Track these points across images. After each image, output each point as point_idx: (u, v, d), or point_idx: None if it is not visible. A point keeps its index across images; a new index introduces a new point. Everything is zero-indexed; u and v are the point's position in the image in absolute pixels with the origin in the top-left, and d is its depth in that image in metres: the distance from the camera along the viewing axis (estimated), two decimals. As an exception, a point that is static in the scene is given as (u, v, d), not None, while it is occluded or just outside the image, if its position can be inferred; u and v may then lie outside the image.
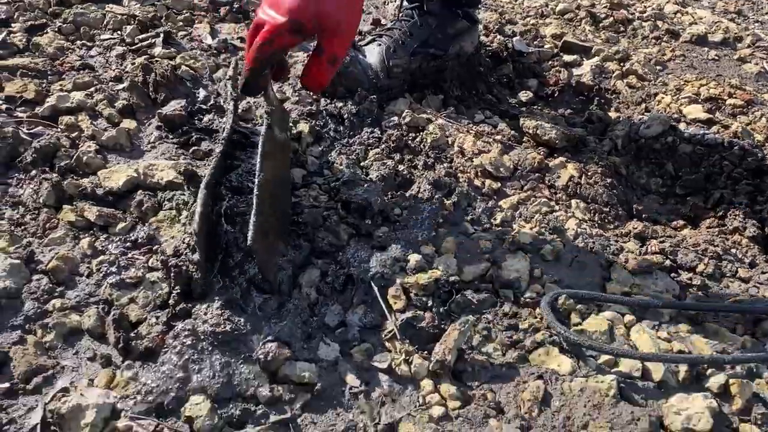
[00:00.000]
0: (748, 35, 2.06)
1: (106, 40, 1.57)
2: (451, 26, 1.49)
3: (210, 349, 0.88)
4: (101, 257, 1.03)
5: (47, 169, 1.17)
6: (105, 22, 1.61)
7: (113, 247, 1.06)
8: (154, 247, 1.06)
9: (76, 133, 1.27)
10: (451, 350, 0.92)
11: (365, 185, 1.21)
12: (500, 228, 1.19)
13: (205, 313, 0.92)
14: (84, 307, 0.96)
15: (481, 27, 1.80)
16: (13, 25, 1.56)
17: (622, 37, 1.96)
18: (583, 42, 1.83)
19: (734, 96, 1.63)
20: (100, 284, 0.99)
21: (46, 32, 1.57)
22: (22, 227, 1.08)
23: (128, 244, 1.07)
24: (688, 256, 1.16)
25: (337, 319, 0.97)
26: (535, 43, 1.80)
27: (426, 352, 0.94)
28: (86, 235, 1.07)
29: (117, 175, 1.17)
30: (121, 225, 1.09)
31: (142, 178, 1.17)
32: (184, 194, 1.15)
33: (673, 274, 1.13)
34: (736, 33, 2.06)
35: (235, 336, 0.91)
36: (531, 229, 1.19)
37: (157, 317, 0.93)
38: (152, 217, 1.11)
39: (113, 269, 1.02)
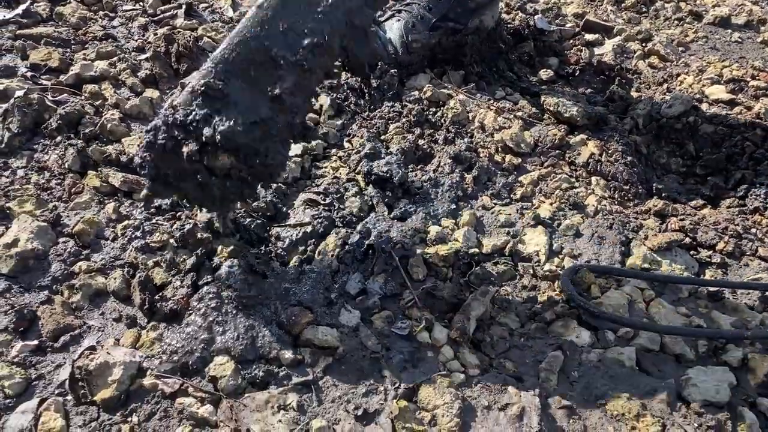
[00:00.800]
0: (772, 18, 2.03)
1: (129, 11, 1.58)
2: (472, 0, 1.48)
3: (234, 312, 0.89)
4: (126, 222, 1.05)
5: (72, 135, 1.18)
6: (127, -7, 1.62)
7: (137, 213, 1.07)
8: (178, 213, 1.07)
9: (100, 101, 1.29)
10: (470, 320, 0.93)
11: (386, 158, 1.22)
12: (520, 203, 1.20)
13: (228, 278, 0.94)
14: (109, 269, 0.97)
15: (502, 4, 1.79)
16: (36, -7, 1.57)
17: (644, 18, 1.94)
18: (605, 21, 1.82)
19: (757, 78, 1.62)
20: (125, 248, 1.01)
21: (69, 2, 1.57)
22: (48, 192, 1.09)
23: (152, 209, 1.08)
24: (708, 234, 1.15)
25: (358, 287, 0.98)
26: (556, 21, 1.79)
27: (446, 321, 0.95)
28: (111, 200, 1.09)
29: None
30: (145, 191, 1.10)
31: (165, 146, 1.18)
32: (206, 163, 1.16)
33: (692, 252, 1.14)
34: (760, 16, 2.03)
35: (258, 300, 0.92)
36: (551, 204, 1.19)
37: (182, 281, 0.95)
38: (176, 185, 1.12)
39: (138, 234, 1.03)
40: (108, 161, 1.14)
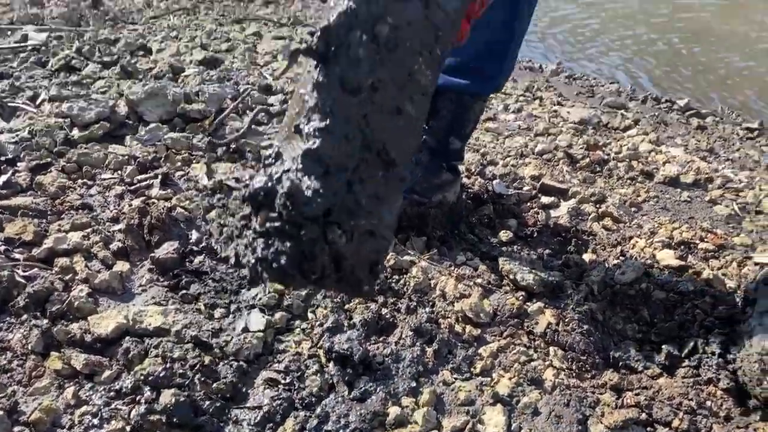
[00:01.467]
0: (718, 176, 2.17)
1: (107, 179, 1.65)
2: (437, 177, 1.58)
3: None
4: (84, 408, 1.05)
5: (38, 314, 1.21)
6: (106, 162, 1.70)
7: (97, 397, 1.07)
8: (137, 398, 1.08)
9: (70, 275, 1.32)
10: None
11: (348, 332, 1.25)
12: (480, 377, 1.22)
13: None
14: (63, 463, 0.97)
15: (462, 168, 1.90)
16: (19, 164, 1.65)
17: (598, 177, 2.07)
18: (561, 183, 1.93)
19: (706, 240, 1.71)
20: (81, 438, 1.00)
21: (50, 171, 1.65)
22: (9, 374, 1.10)
23: (112, 393, 1.08)
24: (663, 410, 1.18)
25: (315, 478, 0.98)
26: (514, 185, 1.90)
27: None
28: (71, 383, 1.09)
29: (106, 321, 1.20)
30: (106, 373, 1.11)
31: (130, 324, 1.21)
32: (170, 341, 1.18)
33: (649, 429, 1.15)
34: (707, 174, 2.17)
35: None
36: (510, 379, 1.21)
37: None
38: (138, 365, 1.14)
39: (95, 421, 1.03)
40: (72, 342, 1.16)
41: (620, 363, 1.33)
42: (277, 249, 0.70)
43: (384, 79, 0.72)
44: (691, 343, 1.35)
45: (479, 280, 1.46)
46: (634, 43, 4.47)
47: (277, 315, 1.29)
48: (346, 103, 0.70)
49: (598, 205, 1.85)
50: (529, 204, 1.82)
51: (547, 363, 1.27)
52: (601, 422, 1.14)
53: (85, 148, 1.73)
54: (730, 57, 4.30)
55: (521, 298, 1.42)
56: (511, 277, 1.47)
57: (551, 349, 1.31)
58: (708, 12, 5.17)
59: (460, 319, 1.35)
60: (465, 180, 1.85)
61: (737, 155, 2.61)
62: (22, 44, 2.31)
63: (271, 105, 2.11)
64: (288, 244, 0.69)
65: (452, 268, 1.50)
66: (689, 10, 5.18)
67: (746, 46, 4.50)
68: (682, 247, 1.67)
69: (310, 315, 1.33)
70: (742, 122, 3.27)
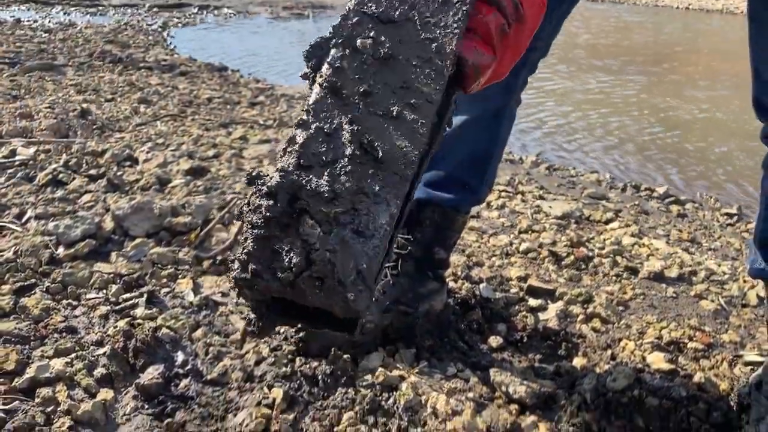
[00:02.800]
0: (701, 269, 2.19)
1: (92, 299, 1.64)
2: (423, 286, 1.59)
3: None
4: None
5: (18, 453, 1.17)
6: (91, 282, 1.69)
7: None
8: None
9: (52, 407, 1.29)
10: None
11: (338, 459, 1.21)
12: (475, 503, 1.18)
13: None
14: None
15: (448, 272, 1.91)
16: (2, 287, 1.64)
17: (584, 275, 2.08)
18: (547, 284, 1.94)
19: (694, 339, 1.71)
20: None
21: (34, 293, 1.64)
22: None
23: None
24: None
25: None
26: (501, 287, 1.91)
27: None
28: None
29: (88, 458, 1.17)
30: None
31: (113, 460, 1.17)
32: (154, 478, 1.14)
33: None
34: (690, 267, 2.20)
35: None
36: (506, 504, 1.18)
37: None
38: (120, 507, 1.09)
39: None
40: (52, 484, 1.12)
41: (619, 478, 1.29)
42: (245, 239, 0.67)
43: (374, 87, 0.75)
44: (689, 454, 1.33)
45: (471, 394, 1.44)
46: (607, 131, 4.62)
47: (266, 442, 1.26)
48: (330, 104, 0.73)
49: (585, 306, 1.85)
50: (517, 307, 1.82)
51: (544, 483, 1.23)
52: None
53: (71, 267, 1.73)
54: (704, 142, 4.45)
55: (514, 411, 1.40)
56: (503, 389, 1.45)
57: (547, 466, 1.28)
58: (680, 99, 5.38)
59: (452, 439, 1.32)
60: (451, 284, 1.85)
61: (718, 244, 2.65)
62: (10, 159, 2.34)
63: (257, 214, 2.13)
64: (255, 231, 0.66)
65: (443, 381, 1.48)
66: (661, 96, 5.39)
67: (718, 130, 4.66)
68: (672, 347, 1.67)
69: (299, 440, 1.30)
70: (720, 207, 3.35)
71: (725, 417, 1.41)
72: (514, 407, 1.42)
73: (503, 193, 2.84)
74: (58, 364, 1.39)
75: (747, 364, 1.63)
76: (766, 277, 1.39)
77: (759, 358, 1.64)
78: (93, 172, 2.34)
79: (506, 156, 3.83)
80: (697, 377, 1.54)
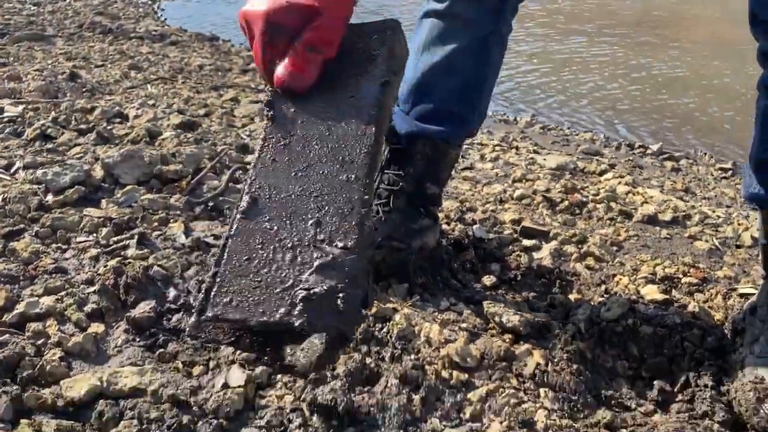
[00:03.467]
0: (696, 213, 2.19)
1: (82, 242, 1.62)
2: (415, 222, 1.57)
3: None
4: (55, 476, 0.99)
5: (8, 380, 1.16)
6: (81, 225, 1.67)
7: (68, 464, 1.02)
8: (112, 462, 1.02)
9: (43, 339, 1.28)
10: None
11: (331, 383, 1.21)
12: (470, 423, 1.18)
13: None
14: None
15: (442, 216, 1.90)
16: (-10, 232, 1.62)
17: (578, 219, 2.07)
18: (542, 226, 1.93)
19: (689, 274, 1.71)
20: (51, 508, 0.95)
21: (23, 237, 1.62)
22: (-25, 446, 1.04)
23: (85, 459, 1.03)
24: (659, 445, 1.14)
25: None
26: (495, 229, 1.90)
27: None
28: (41, 451, 1.04)
29: (79, 384, 1.16)
30: (79, 439, 1.06)
31: (105, 386, 1.16)
32: (147, 402, 1.14)
33: (647, 466, 1.11)
34: (684, 211, 2.19)
35: None
36: (501, 423, 1.17)
37: None
38: (112, 429, 1.09)
39: (66, 490, 0.97)
40: (43, 407, 1.11)
41: (612, 401, 1.29)
42: None
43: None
44: (683, 377, 1.33)
45: (464, 325, 1.44)
46: (604, 93, 4.59)
47: (258, 369, 1.25)
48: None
49: (579, 246, 1.85)
50: (510, 247, 1.81)
51: (538, 405, 1.23)
52: (598, 462, 1.10)
53: (60, 213, 1.71)
54: (698, 104, 4.42)
55: (508, 340, 1.40)
56: (497, 319, 1.44)
57: (542, 390, 1.28)
58: (674, 61, 5.35)
59: (446, 364, 1.31)
60: (445, 226, 1.84)
61: (713, 194, 2.65)
62: (-2, 116, 2.32)
63: (249, 163, 2.11)
64: None
65: (436, 313, 1.48)
66: (657, 59, 5.36)
67: (714, 93, 4.63)
68: (666, 282, 1.67)
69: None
70: (715, 163, 3.34)
71: (719, 342, 1.41)
72: (507, 336, 1.41)
73: (497, 147, 2.82)
74: (47, 301, 1.38)
75: (741, 296, 1.63)
76: (760, 201, 1.38)
77: (753, 290, 1.64)
78: (83, 126, 2.32)
79: (500, 116, 3.81)
80: (691, 307, 1.54)
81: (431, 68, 1.47)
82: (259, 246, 0.82)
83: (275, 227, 0.83)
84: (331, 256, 0.78)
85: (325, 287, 0.75)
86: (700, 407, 1.25)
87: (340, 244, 0.78)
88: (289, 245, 0.81)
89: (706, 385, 1.28)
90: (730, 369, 1.34)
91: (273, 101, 0.98)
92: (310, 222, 0.82)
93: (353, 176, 0.84)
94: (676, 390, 1.31)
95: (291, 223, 0.83)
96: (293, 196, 0.85)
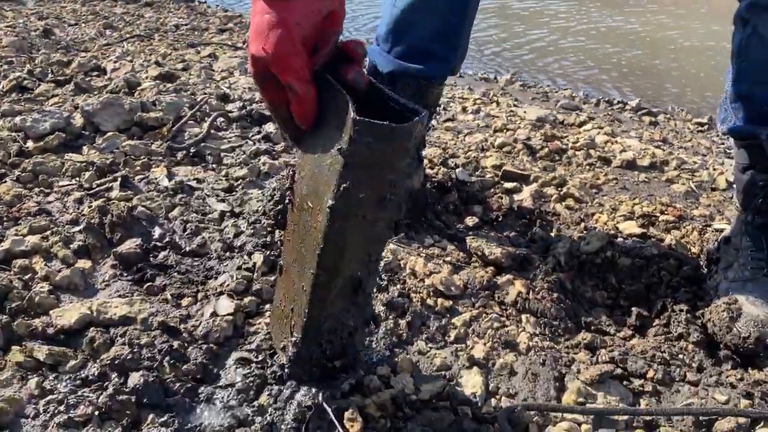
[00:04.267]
0: (673, 159, 2.23)
1: (64, 186, 1.62)
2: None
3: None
4: (49, 397, 1.01)
5: (-3, 311, 1.16)
6: (63, 170, 1.66)
7: (62, 386, 1.03)
8: (104, 384, 1.04)
9: (29, 275, 1.28)
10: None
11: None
12: (455, 345, 1.21)
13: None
14: (28, 449, 0.92)
15: (425, 161, 1.91)
16: (-29, 176, 1.61)
17: (558, 165, 2.10)
18: (522, 170, 1.95)
19: (666, 213, 1.75)
20: (47, 425, 0.96)
21: (5, 181, 1.61)
22: (-33, 371, 1.05)
23: (78, 381, 1.04)
24: (637, 363, 1.18)
25: (294, 446, 0.95)
26: (476, 173, 1.92)
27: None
28: (34, 375, 1.05)
29: (69, 313, 1.17)
30: (71, 363, 1.07)
31: (95, 315, 1.17)
32: (137, 329, 1.15)
33: (625, 382, 1.16)
34: (662, 158, 2.23)
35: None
36: (485, 344, 1.21)
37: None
38: (104, 354, 1.10)
39: (61, 408, 0.99)
40: (34, 335, 1.12)
41: (592, 327, 1.33)
42: None
43: None
44: (660, 303, 1.37)
45: (448, 259, 1.47)
46: (585, 56, 4.61)
47: (246, 299, 1.27)
48: None
49: (559, 188, 1.88)
50: (492, 190, 1.84)
51: (520, 329, 1.27)
52: (578, 378, 1.14)
53: (41, 158, 1.70)
54: (675, 63, 4.47)
55: (491, 271, 1.43)
56: (479, 252, 1.47)
57: (523, 316, 1.31)
58: (651, 26, 5.38)
59: (431, 293, 1.34)
60: (428, 171, 1.85)
61: (690, 144, 2.69)
62: (-28, 69, 2.27)
63: (230, 111, 2.10)
64: None
65: (421, 249, 1.50)
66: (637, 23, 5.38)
67: (691, 53, 4.68)
68: (644, 219, 1.70)
69: (280, 300, 1.31)
70: (692, 118, 3.38)
71: (695, 272, 1.46)
72: (490, 268, 1.45)
73: (478, 101, 2.83)
74: (33, 239, 1.38)
75: (716, 230, 1.67)
76: (739, 133, 1.40)
77: (728, 226, 1.68)
78: (60, 78, 2.29)
79: (480, 75, 3.82)
80: (668, 240, 1.58)
81: (410, 6, 1.47)
82: None
83: None
84: None
85: None
86: (675, 329, 1.29)
87: None
88: None
89: (681, 310, 1.33)
90: (705, 295, 1.39)
91: None
92: None
93: None
94: (653, 315, 1.35)
95: None
96: None
